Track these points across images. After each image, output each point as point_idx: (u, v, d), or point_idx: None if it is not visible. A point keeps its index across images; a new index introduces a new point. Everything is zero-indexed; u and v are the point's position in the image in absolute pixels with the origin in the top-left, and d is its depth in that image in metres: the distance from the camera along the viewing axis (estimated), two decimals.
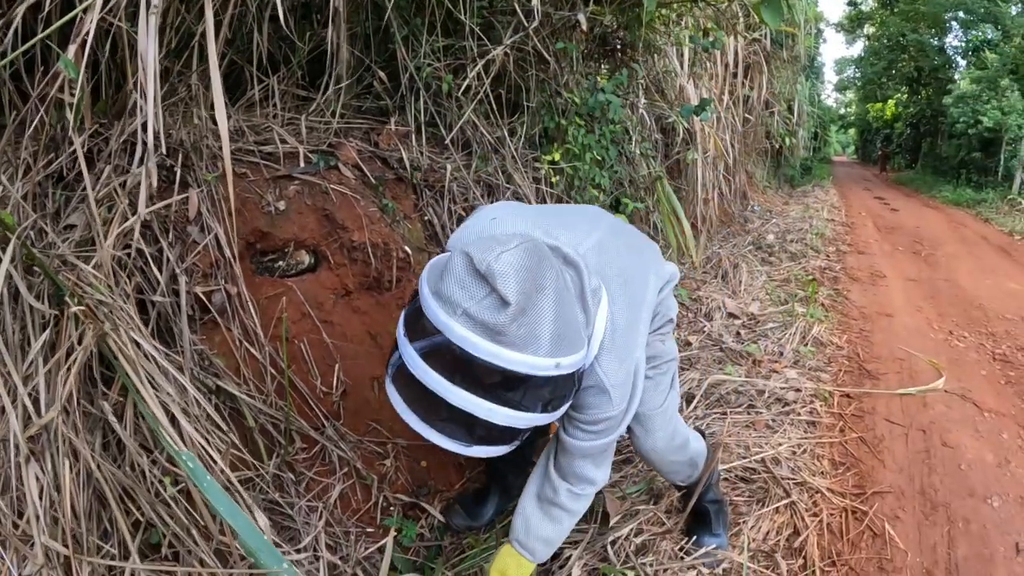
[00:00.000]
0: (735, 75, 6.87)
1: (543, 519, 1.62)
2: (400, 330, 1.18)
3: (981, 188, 12.81)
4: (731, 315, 4.27)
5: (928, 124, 19.40)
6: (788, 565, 2.08)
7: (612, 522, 2.15)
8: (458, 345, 1.08)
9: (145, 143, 1.64)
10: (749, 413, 2.95)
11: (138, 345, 1.55)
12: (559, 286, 1.17)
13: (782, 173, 12.41)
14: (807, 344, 3.84)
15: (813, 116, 15.58)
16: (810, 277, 5.28)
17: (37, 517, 1.36)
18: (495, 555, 1.69)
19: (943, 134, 16.00)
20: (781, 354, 3.67)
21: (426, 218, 2.62)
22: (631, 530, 2.10)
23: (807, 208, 9.24)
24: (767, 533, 2.20)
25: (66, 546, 1.38)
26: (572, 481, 1.59)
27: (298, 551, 1.79)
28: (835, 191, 12.81)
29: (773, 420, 2.90)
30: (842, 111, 34.83)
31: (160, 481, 1.52)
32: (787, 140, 11.47)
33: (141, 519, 1.50)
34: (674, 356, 1.85)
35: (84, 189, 1.67)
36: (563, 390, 1.22)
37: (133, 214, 1.67)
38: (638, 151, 4.34)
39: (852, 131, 38.06)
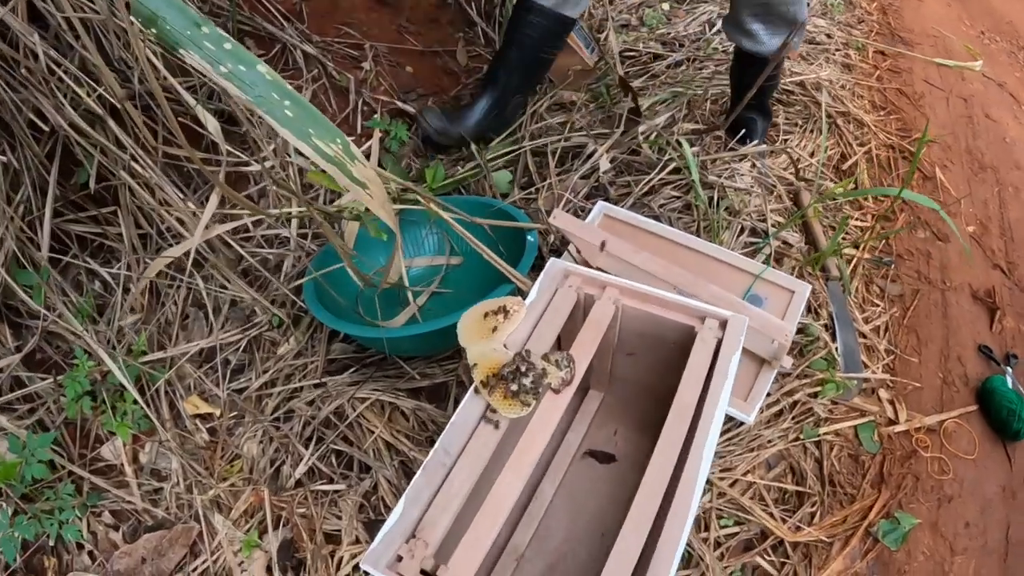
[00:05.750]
0: None
1: None
2: None
3: None
4: None
5: None
6: (836, 180, 1.88)
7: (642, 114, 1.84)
8: None
9: None
10: None
11: None
12: None
13: None
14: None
15: None
16: None
17: None
18: None
19: None
20: (808, 4, 3.29)
21: None
22: (666, 120, 1.80)
23: None
24: (812, 152, 1.95)
25: None
26: None
27: None
28: None
29: (807, 54, 2.58)
30: None
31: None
32: None
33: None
34: None
35: None
36: None
37: None
38: None
39: None
